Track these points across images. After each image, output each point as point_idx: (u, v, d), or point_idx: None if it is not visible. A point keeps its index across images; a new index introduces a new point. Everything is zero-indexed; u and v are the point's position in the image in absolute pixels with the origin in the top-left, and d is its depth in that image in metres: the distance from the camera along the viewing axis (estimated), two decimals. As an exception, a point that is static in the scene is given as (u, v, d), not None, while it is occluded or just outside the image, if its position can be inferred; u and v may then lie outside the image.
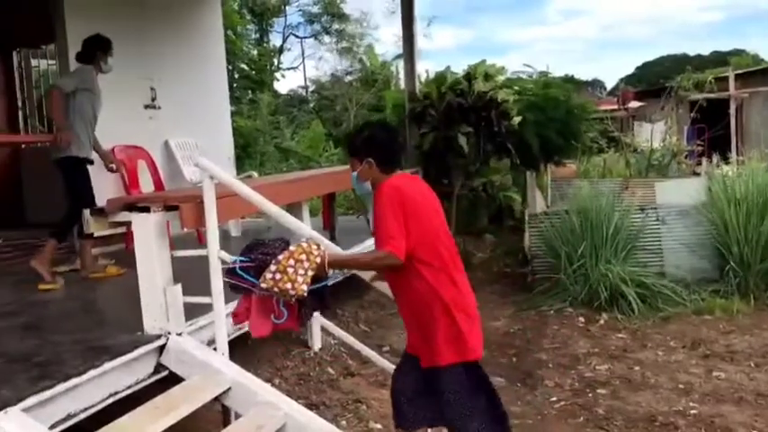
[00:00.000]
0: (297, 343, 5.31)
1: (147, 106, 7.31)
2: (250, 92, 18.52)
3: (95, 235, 4.89)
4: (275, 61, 23.10)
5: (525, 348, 5.54)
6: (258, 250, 2.93)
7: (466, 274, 2.94)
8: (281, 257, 2.75)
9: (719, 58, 32.49)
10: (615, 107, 16.05)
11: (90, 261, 5.24)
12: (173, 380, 3.40)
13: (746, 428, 3.94)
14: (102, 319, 4.33)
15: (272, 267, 2.74)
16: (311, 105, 22.31)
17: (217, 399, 3.36)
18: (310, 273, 2.73)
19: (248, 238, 3.22)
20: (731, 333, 5.62)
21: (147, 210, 3.43)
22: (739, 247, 6.51)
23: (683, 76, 13.85)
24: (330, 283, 3.03)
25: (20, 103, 8.76)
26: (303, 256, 2.74)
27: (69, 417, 2.88)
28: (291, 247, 2.80)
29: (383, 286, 3.24)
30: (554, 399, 4.52)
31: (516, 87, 8.72)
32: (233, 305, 3.21)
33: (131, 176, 6.65)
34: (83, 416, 2.94)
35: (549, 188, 9.21)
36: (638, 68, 52.38)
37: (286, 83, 29.06)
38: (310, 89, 24.58)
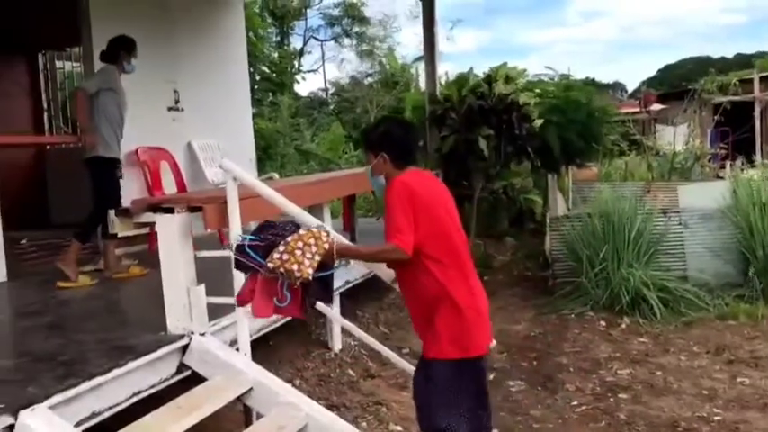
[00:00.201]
0: (317, 344, 5.33)
1: (170, 108, 7.39)
2: (271, 94, 18.58)
3: (119, 235, 4.94)
4: (296, 64, 23.18)
5: (546, 352, 5.51)
6: (268, 231, 2.95)
7: (482, 273, 2.94)
8: (289, 239, 2.77)
9: (743, 61, 32.06)
10: (637, 110, 15.91)
11: (114, 261, 5.29)
12: (195, 379, 3.43)
13: (772, 435, 3.89)
14: (125, 318, 4.38)
15: (281, 248, 2.76)
16: (331, 108, 22.36)
17: (239, 399, 3.38)
18: (317, 257, 2.74)
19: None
20: (756, 339, 5.54)
21: (171, 211, 3.46)
22: (764, 252, 6.44)
23: (707, 78, 13.72)
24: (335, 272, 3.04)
25: (45, 105, 8.88)
26: (312, 241, 2.76)
27: (94, 415, 2.91)
28: (301, 231, 2.82)
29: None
30: (575, 403, 4.50)
31: (537, 90, 8.68)
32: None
33: (154, 178, 6.72)
34: (107, 414, 2.97)
35: (570, 191, 9.16)
36: (659, 71, 51.88)
37: (306, 85, 29.12)
38: (330, 91, 24.66)
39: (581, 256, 6.59)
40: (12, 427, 2.53)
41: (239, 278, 3.17)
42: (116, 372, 3.03)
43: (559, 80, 10.19)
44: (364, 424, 4.11)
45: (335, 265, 2.99)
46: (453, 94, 8.24)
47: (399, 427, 4.06)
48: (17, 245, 6.34)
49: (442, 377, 2.80)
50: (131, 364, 3.12)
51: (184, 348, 3.46)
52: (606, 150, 10.60)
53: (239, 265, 2.99)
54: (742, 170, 9.67)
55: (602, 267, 6.45)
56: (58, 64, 9.11)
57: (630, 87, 41.39)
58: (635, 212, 6.69)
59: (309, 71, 24.23)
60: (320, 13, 24.07)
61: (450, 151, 8.08)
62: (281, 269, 2.73)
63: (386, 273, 3.39)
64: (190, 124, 7.58)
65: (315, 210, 4.91)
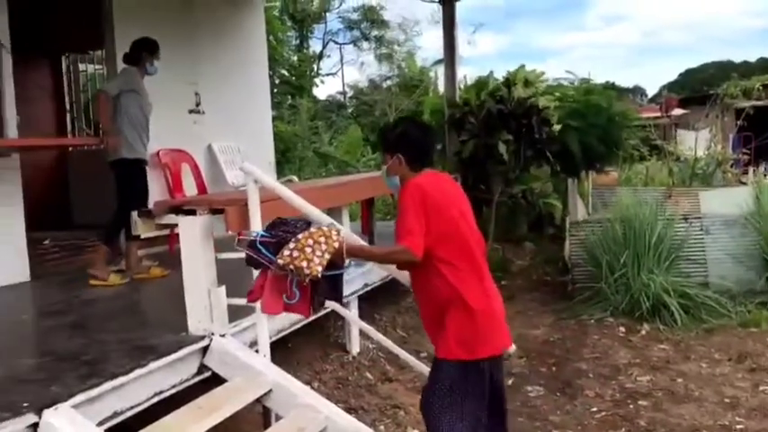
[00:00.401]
0: (335, 347, 5.34)
1: (191, 111, 7.44)
2: (290, 97, 18.67)
3: (142, 237, 4.98)
4: (315, 67, 23.27)
5: (565, 358, 5.48)
6: (280, 228, 2.97)
7: (501, 277, 2.94)
8: (300, 236, 2.79)
9: (766, 65, 31.70)
10: (657, 114, 15.78)
11: (135, 262, 5.34)
12: (215, 380, 3.45)
13: (795, 445, 3.84)
14: (147, 319, 4.42)
15: (291, 245, 2.77)
16: (349, 111, 22.41)
17: (258, 400, 3.40)
18: (327, 256, 2.74)
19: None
20: (779, 346, 5.47)
21: (193, 212, 3.49)
22: (788, 259, 6.36)
23: (730, 83, 13.55)
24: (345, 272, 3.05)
25: (68, 107, 8.98)
26: (322, 239, 2.77)
27: (116, 414, 2.94)
28: (312, 229, 2.84)
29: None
30: (594, 409, 4.46)
31: (557, 94, 8.64)
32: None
33: (175, 180, 6.77)
34: (128, 414, 3.00)
35: (590, 196, 9.10)
36: (680, 75, 51.52)
37: (325, 88, 29.11)
38: (349, 95, 24.71)
39: (601, 261, 6.55)
40: (36, 425, 2.56)
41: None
42: (138, 372, 3.06)
43: (580, 84, 10.13)
44: (382, 427, 4.11)
45: (346, 264, 3.00)
46: (472, 98, 8.23)
47: (417, 431, 4.05)
48: (40, 245, 6.42)
49: (448, 378, 2.79)
50: (153, 365, 3.15)
51: (205, 349, 3.49)
52: (626, 155, 10.52)
53: (250, 261, 3.01)
54: (765, 176, 9.54)
55: (621, 273, 6.40)
56: (81, 66, 9.20)
57: (651, 92, 41.16)
58: (656, 218, 6.64)
59: (328, 74, 24.31)
60: (339, 17, 24.16)
61: (469, 156, 8.06)
62: (291, 266, 2.75)
63: (404, 276, 3.40)
64: (210, 127, 7.63)
65: (334, 212, 4.93)
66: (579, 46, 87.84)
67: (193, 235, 3.49)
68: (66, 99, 8.97)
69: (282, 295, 2.96)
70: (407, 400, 4.51)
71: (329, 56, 24.94)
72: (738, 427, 4.07)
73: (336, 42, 24.76)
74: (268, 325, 3.63)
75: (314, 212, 3.53)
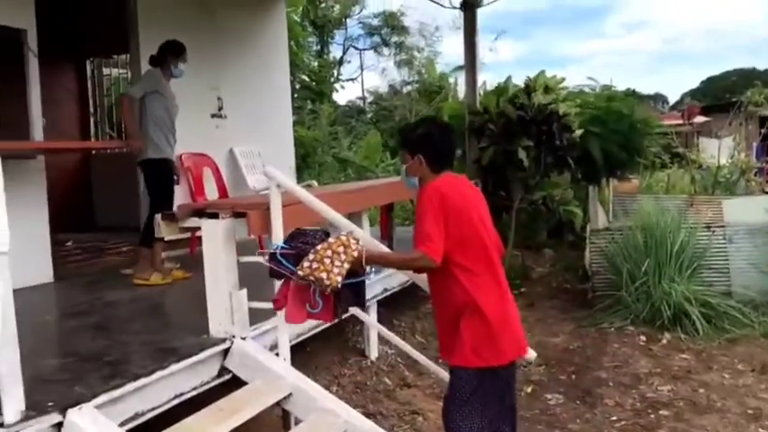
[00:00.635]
0: (354, 351, 5.35)
1: (213, 115, 7.51)
2: (310, 102, 18.75)
3: (165, 239, 5.03)
4: (335, 73, 23.35)
5: (585, 366, 5.43)
6: (299, 239, 3.01)
7: (520, 284, 2.93)
8: (319, 247, 2.82)
9: (791, 73, 31.32)
10: (679, 122, 15.64)
11: (159, 264, 5.38)
12: (235, 383, 3.47)
13: (820, 458, 3.78)
14: (168, 321, 4.46)
15: (311, 256, 2.81)
16: (369, 116, 22.46)
17: (278, 403, 3.41)
18: (346, 265, 2.76)
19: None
20: (803, 358, 5.40)
21: (215, 216, 3.52)
22: (812, 269, 6.27)
23: (754, 90, 13.39)
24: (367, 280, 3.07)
25: (92, 110, 9.10)
26: (341, 249, 2.79)
27: (137, 415, 2.97)
28: (330, 239, 2.85)
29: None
30: (614, 418, 4.42)
31: (578, 100, 8.59)
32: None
33: (197, 183, 6.83)
34: (150, 415, 3.03)
35: (610, 203, 9.04)
36: (702, 83, 51.16)
37: (344, 94, 29.26)
38: (368, 100, 24.75)
39: (621, 269, 6.49)
40: (60, 424, 2.59)
41: (279, 284, 3.21)
42: (159, 373, 3.09)
43: (601, 91, 10.06)
44: (400, 433, 4.10)
45: (367, 272, 3.01)
46: (492, 105, 8.21)
47: (436, 437, 4.05)
48: (63, 247, 6.50)
49: (464, 385, 2.79)
50: (174, 367, 3.17)
51: (225, 352, 3.51)
52: (648, 162, 10.43)
53: (273, 273, 3.04)
54: (789, 185, 9.43)
55: (642, 281, 6.34)
56: (105, 70, 9.34)
57: (672, 99, 40.83)
58: (678, 226, 6.57)
59: (348, 80, 24.37)
60: (360, 23, 24.24)
61: (489, 163, 8.04)
62: (311, 277, 2.77)
63: (424, 280, 3.41)
64: (232, 131, 7.69)
65: (354, 217, 4.93)
66: (600, 53, 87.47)
67: (216, 238, 3.52)
68: (91, 102, 9.10)
69: (306, 304, 2.99)
70: (426, 406, 4.50)
71: (349, 61, 25.05)
72: (762, 438, 4.02)
73: (357, 48, 24.86)
74: (288, 328, 3.64)
75: (336, 217, 3.54)
